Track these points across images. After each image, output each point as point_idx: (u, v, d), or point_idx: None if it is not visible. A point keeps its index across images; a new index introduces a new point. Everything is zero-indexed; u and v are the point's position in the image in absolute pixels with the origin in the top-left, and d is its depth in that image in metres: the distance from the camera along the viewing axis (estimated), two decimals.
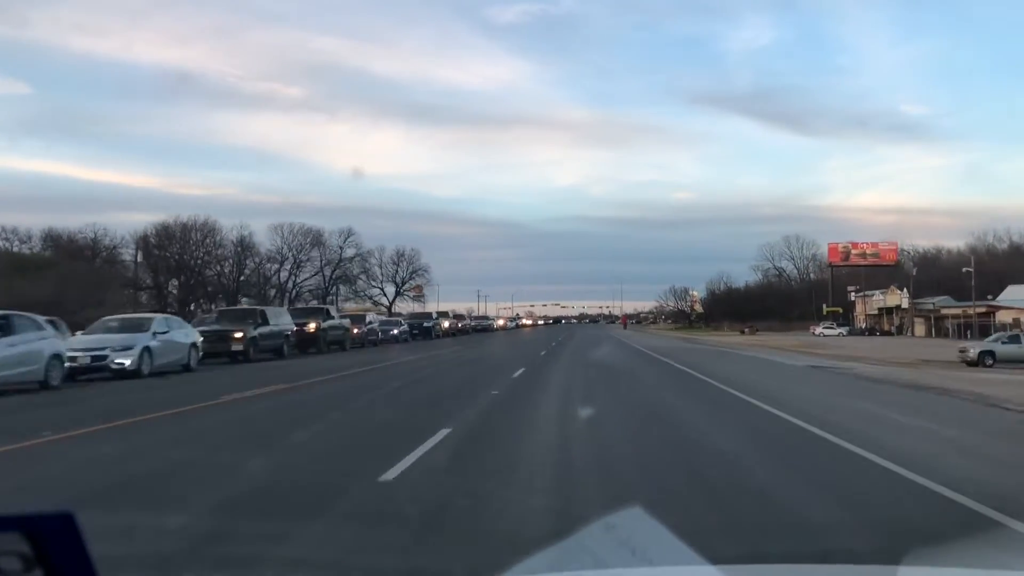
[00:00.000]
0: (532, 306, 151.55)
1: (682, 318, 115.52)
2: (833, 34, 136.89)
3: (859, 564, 3.51)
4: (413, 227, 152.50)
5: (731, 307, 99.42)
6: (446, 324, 59.46)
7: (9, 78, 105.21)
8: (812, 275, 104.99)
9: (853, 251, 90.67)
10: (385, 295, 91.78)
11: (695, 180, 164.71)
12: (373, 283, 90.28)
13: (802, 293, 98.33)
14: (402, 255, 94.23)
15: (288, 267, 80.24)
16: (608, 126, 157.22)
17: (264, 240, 75.10)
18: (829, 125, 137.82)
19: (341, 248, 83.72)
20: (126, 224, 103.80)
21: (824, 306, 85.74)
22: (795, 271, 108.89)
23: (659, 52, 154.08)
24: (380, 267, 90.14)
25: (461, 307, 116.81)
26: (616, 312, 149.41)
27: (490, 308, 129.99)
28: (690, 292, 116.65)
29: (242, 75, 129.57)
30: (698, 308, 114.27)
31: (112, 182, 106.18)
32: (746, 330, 76.07)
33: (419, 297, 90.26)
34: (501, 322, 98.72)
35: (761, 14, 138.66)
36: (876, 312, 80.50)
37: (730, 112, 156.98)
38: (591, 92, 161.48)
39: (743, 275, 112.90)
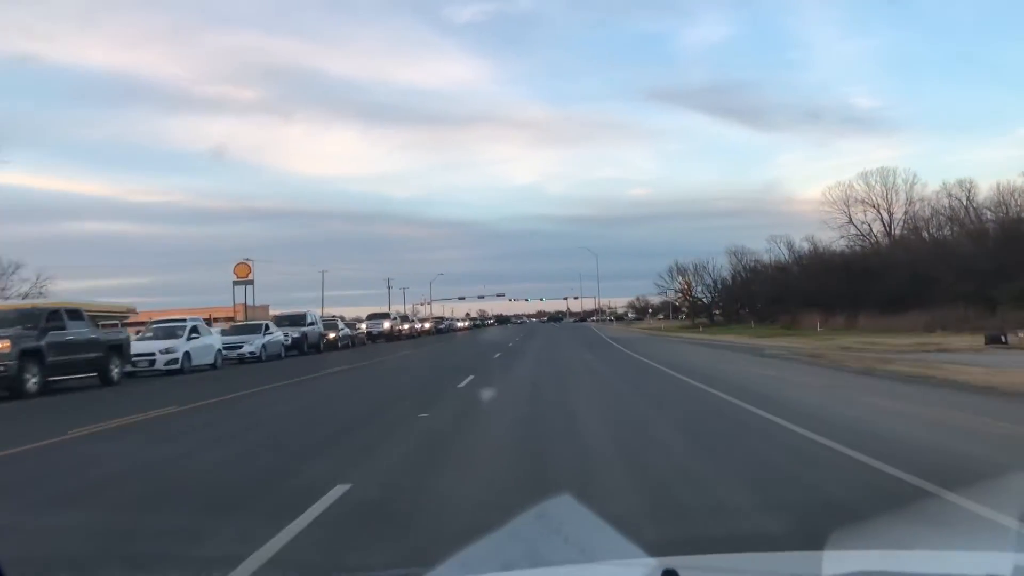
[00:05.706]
0: (463, 298, 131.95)
1: (676, 312, 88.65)
2: (786, 29, 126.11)
3: (789, 551, 3.35)
4: (371, 229, 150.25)
5: (782, 294, 60.00)
6: None
7: None
8: (911, 232, 58.85)
9: None
10: None
11: (651, 176, 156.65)
12: None
13: (964, 256, 43.69)
14: None
15: None
16: (565, 124, 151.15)
17: None
18: (783, 119, 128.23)
19: None
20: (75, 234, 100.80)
21: None
22: (883, 229, 62.11)
23: (615, 49, 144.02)
24: None
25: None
26: (580, 308, 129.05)
27: (433, 309, 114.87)
28: (684, 275, 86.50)
29: (194, 78, 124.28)
30: (689, 297, 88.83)
31: (61, 190, 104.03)
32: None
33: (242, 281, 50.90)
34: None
35: (715, 10, 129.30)
36: None
37: (685, 108, 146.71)
38: (548, 90, 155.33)
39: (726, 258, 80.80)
